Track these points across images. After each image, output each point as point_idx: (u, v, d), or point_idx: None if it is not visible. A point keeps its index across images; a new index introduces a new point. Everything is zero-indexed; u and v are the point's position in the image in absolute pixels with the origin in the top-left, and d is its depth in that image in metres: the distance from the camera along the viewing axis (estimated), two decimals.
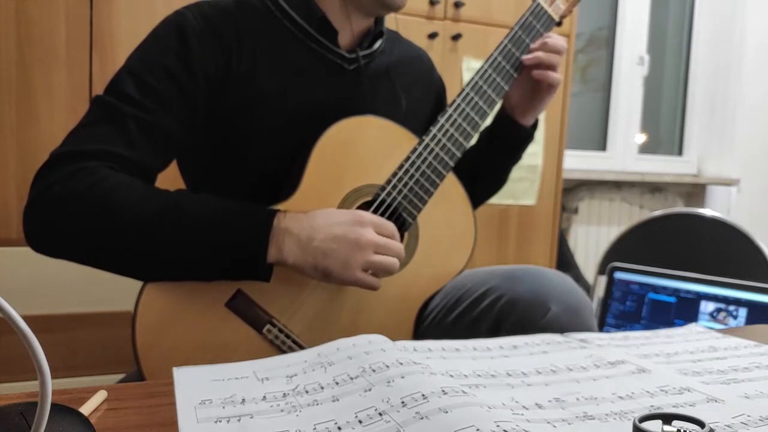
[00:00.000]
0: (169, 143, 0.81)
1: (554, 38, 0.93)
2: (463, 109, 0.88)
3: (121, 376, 0.94)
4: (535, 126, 1.00)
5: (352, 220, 0.76)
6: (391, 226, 0.79)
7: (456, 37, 1.75)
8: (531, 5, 0.94)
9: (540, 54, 0.92)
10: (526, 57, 0.92)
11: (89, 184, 0.72)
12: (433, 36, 1.72)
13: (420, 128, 0.91)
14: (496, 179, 1.06)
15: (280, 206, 0.80)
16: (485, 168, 1.03)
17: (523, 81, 0.95)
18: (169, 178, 0.89)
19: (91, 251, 0.75)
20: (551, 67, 0.92)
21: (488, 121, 0.98)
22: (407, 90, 0.97)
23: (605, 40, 2.74)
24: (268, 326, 0.79)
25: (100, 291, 1.39)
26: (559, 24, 0.98)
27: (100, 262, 0.76)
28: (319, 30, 0.88)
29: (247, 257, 0.74)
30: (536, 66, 0.93)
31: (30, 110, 1.35)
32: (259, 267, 0.75)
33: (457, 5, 1.75)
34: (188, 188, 0.94)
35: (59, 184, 0.73)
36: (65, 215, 0.73)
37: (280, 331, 0.79)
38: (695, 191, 2.86)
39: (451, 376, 0.47)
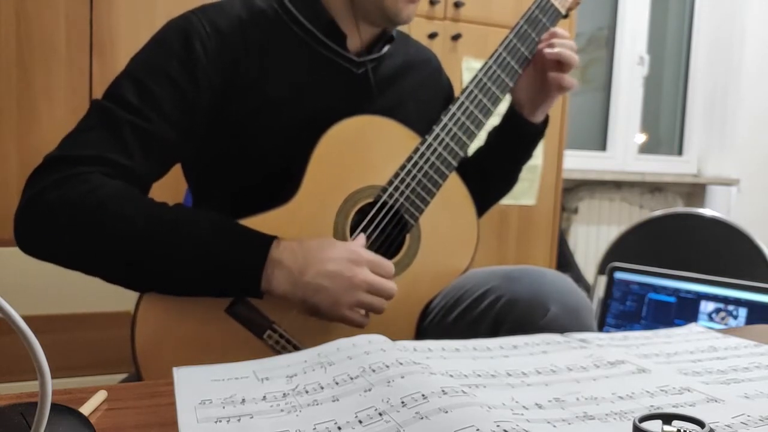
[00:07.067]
0: (166, 152, 0.80)
1: (563, 34, 0.92)
2: (467, 108, 0.87)
3: (121, 377, 0.93)
4: (546, 122, 0.99)
5: (348, 257, 0.75)
6: (388, 266, 0.78)
7: (456, 37, 1.75)
8: None
9: (563, 51, 0.89)
10: (548, 52, 0.90)
11: (83, 192, 0.72)
12: (433, 36, 1.72)
13: (427, 131, 0.90)
14: (507, 178, 1.05)
15: (281, 208, 0.80)
16: (496, 167, 1.02)
17: (530, 78, 0.93)
18: (170, 181, 0.89)
19: (79, 260, 0.75)
20: (569, 67, 0.91)
21: (495, 120, 0.98)
22: (415, 93, 0.97)
23: (605, 40, 2.74)
24: (268, 332, 0.79)
25: (100, 291, 1.38)
26: (565, 17, 0.96)
27: (88, 270, 0.75)
28: (328, 34, 0.87)
29: (238, 284, 0.74)
30: (555, 65, 0.91)
31: (30, 110, 1.35)
32: (250, 292, 0.75)
33: (457, 5, 1.75)
34: (192, 192, 0.94)
35: (52, 189, 0.72)
36: (56, 222, 0.72)
37: (281, 336, 0.79)
38: (695, 191, 2.86)
39: (451, 376, 0.47)
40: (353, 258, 0.75)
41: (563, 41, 0.91)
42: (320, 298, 0.74)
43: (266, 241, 0.74)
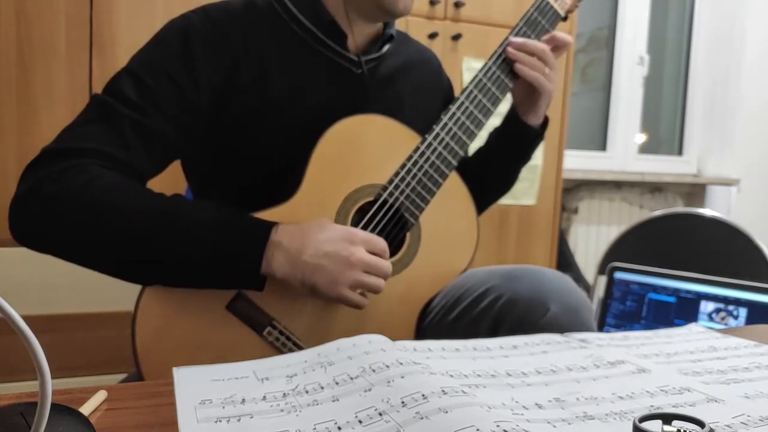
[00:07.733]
0: (164, 149, 0.80)
1: (559, 35, 0.92)
2: (467, 108, 0.88)
3: (121, 376, 0.94)
4: (545, 126, 1.00)
5: (344, 237, 0.76)
6: (381, 244, 0.78)
7: (456, 37, 1.75)
8: (536, 0, 0.93)
9: (520, 54, 0.89)
10: (509, 50, 0.90)
11: (81, 183, 0.72)
12: (433, 36, 1.72)
13: (427, 131, 0.90)
14: (507, 178, 1.06)
15: (281, 206, 0.80)
16: (495, 167, 1.02)
17: (522, 80, 0.94)
18: (170, 179, 0.89)
19: (76, 251, 0.75)
20: (535, 68, 0.90)
21: (496, 120, 0.98)
22: (415, 93, 0.97)
23: (605, 40, 2.74)
24: (268, 328, 0.79)
25: (100, 291, 1.38)
26: (564, 19, 0.97)
27: (85, 261, 0.75)
28: (328, 34, 0.88)
29: (239, 270, 0.74)
30: (524, 66, 0.90)
31: (30, 110, 1.35)
32: (251, 279, 0.75)
33: (457, 5, 1.75)
34: (192, 191, 0.94)
35: (50, 181, 0.72)
36: (54, 214, 0.72)
37: (281, 333, 0.79)
38: (695, 191, 2.86)
39: (451, 376, 0.47)
40: (349, 237, 0.76)
41: (530, 43, 0.90)
42: (318, 278, 0.74)
43: (266, 225, 0.75)
